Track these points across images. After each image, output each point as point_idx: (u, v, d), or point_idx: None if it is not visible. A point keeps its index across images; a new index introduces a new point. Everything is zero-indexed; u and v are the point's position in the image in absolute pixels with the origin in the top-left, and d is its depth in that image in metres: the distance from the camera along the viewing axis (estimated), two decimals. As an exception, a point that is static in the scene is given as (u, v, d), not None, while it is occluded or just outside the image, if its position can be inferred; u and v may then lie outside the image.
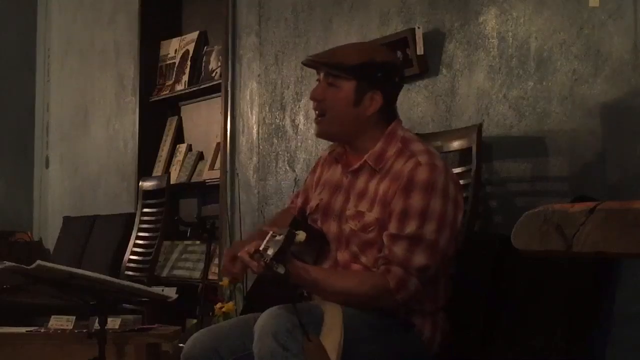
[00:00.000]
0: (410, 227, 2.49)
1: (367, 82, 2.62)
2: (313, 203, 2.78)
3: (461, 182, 3.03)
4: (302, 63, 2.84)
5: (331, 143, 2.84)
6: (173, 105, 5.50)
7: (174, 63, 5.40)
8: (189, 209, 5.24)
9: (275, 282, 2.46)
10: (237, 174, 4.57)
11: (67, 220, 6.22)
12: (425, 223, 2.49)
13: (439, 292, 2.62)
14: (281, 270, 2.32)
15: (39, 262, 2.81)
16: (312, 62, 2.75)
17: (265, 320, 2.40)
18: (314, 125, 2.75)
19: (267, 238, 2.38)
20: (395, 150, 2.62)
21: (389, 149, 2.63)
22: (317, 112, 2.70)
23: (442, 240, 2.51)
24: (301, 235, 2.39)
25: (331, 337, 2.38)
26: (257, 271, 2.46)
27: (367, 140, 2.66)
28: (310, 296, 2.64)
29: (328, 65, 2.67)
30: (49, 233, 6.71)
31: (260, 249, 2.36)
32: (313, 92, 2.70)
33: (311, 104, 2.75)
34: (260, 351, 2.37)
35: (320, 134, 2.76)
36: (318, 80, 2.71)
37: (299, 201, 2.92)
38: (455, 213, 2.54)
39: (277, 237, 2.35)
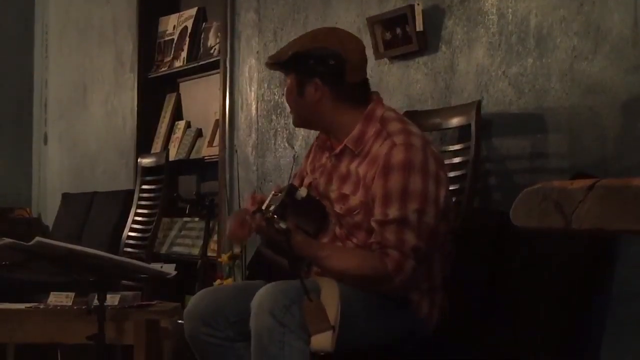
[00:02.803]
0: (393, 211, 2.50)
1: (303, 72, 2.69)
2: (306, 182, 2.80)
3: (460, 159, 3.04)
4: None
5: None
6: (172, 82, 5.48)
7: (173, 39, 5.38)
8: (187, 185, 5.24)
9: (277, 247, 2.47)
10: (236, 150, 4.57)
11: (66, 196, 6.22)
12: (407, 204, 2.50)
13: (434, 270, 2.62)
14: (283, 225, 2.33)
15: (38, 238, 2.81)
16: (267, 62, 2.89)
17: (261, 297, 2.41)
18: None
19: (269, 197, 2.40)
20: (374, 132, 2.63)
21: (368, 130, 2.64)
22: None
23: (427, 218, 2.51)
24: (302, 191, 2.41)
25: (329, 306, 2.39)
26: (258, 227, 2.48)
27: (344, 125, 2.68)
28: (309, 271, 2.65)
29: (270, 64, 2.82)
30: (48, 210, 6.71)
31: (263, 207, 2.38)
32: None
33: None
34: (257, 328, 2.38)
35: (293, 124, 2.93)
36: None
37: (296, 183, 2.93)
38: (437, 189, 2.54)
39: (279, 195, 2.36)
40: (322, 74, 2.67)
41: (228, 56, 4.65)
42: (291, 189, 2.41)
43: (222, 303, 2.65)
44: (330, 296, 2.43)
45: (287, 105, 4.20)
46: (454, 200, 2.82)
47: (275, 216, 2.36)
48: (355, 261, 2.55)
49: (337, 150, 2.68)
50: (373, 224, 2.53)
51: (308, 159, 2.89)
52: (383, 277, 2.49)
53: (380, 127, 2.62)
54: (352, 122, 2.67)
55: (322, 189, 2.70)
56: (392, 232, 2.50)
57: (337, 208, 2.62)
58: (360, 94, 2.71)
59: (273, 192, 2.46)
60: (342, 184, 2.64)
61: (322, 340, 2.37)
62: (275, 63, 2.79)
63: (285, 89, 2.78)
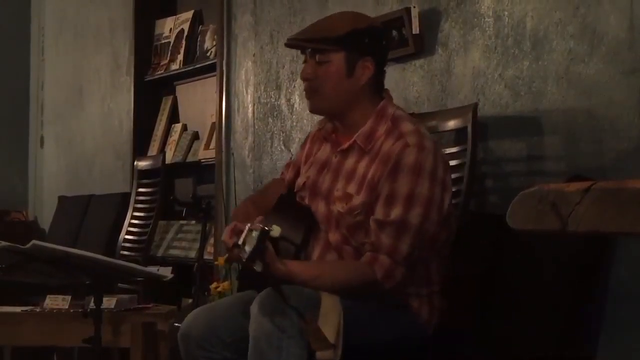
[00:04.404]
0: (395, 213, 2.46)
1: (356, 50, 2.57)
2: (300, 180, 2.74)
3: (457, 161, 3.04)
4: (285, 45, 2.78)
5: (320, 119, 2.82)
6: (168, 85, 5.49)
7: (169, 42, 5.38)
8: (184, 188, 5.24)
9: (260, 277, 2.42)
10: (233, 153, 4.57)
11: (62, 199, 6.21)
12: (411, 208, 2.46)
13: (432, 275, 2.60)
14: (258, 268, 2.28)
15: (34, 241, 2.81)
16: (296, 42, 2.69)
17: (262, 300, 2.38)
18: (307, 101, 2.71)
19: (244, 232, 2.33)
20: (385, 130, 2.57)
21: (379, 128, 2.58)
22: (308, 90, 2.65)
23: (429, 224, 2.48)
24: (275, 231, 2.33)
25: (329, 321, 2.36)
26: (237, 261, 2.45)
27: (359, 116, 2.61)
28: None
29: (313, 41, 2.60)
30: (45, 212, 6.71)
31: (240, 242, 2.32)
32: (303, 72, 2.64)
33: (303, 83, 2.71)
34: (256, 332, 2.35)
35: (313, 110, 2.71)
36: (305, 60, 2.65)
37: (290, 175, 2.87)
38: (442, 195, 2.50)
39: (253, 234, 2.30)
40: (374, 53, 2.60)
41: (224, 59, 4.66)
42: (263, 233, 2.32)
43: (216, 324, 2.59)
44: (331, 310, 2.38)
45: (283, 107, 4.24)
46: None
47: (250, 261, 2.30)
48: (344, 276, 2.49)
49: (345, 146, 2.62)
50: (371, 222, 2.49)
51: (304, 150, 2.83)
52: (373, 285, 2.46)
53: (391, 126, 2.57)
54: (366, 115, 2.60)
55: (325, 187, 2.63)
56: (389, 236, 2.46)
57: (340, 207, 2.56)
58: (382, 84, 2.66)
59: (249, 226, 2.38)
60: (347, 183, 2.57)
61: (325, 353, 2.35)
62: (323, 39, 2.58)
63: (320, 70, 2.58)
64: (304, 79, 2.65)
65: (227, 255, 2.59)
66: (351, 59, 2.57)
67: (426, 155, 2.49)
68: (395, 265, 2.46)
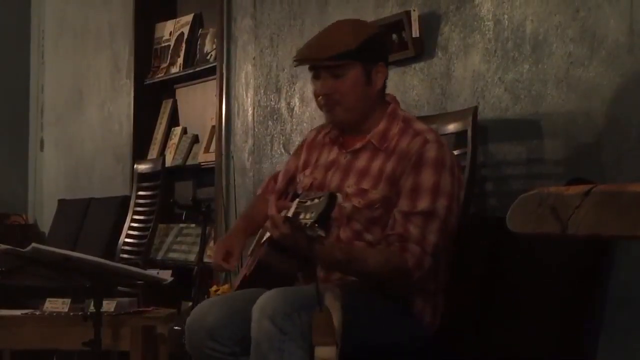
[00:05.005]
0: (423, 204, 2.51)
1: (369, 58, 2.64)
2: (306, 182, 2.73)
3: (456, 164, 3.05)
4: (295, 65, 2.81)
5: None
6: (168, 88, 5.49)
7: (169, 45, 5.38)
8: (184, 191, 5.24)
9: (293, 253, 2.39)
10: (232, 157, 4.57)
11: (62, 202, 6.21)
12: (438, 199, 2.52)
13: (440, 271, 2.62)
14: (321, 233, 2.25)
15: (34, 244, 2.81)
16: (310, 61, 2.70)
17: (264, 302, 2.38)
18: (326, 114, 2.71)
19: (293, 206, 2.33)
20: (398, 130, 2.64)
21: (392, 128, 2.65)
22: (327, 104, 2.66)
23: (452, 216, 2.55)
24: (340, 198, 2.34)
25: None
26: (283, 235, 2.35)
27: (374, 119, 2.68)
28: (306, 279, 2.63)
29: (330, 59, 2.62)
30: (44, 215, 6.70)
31: (289, 215, 2.31)
32: (321, 88, 2.65)
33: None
34: (257, 334, 2.35)
35: (336, 122, 2.73)
36: (316, 76, 2.67)
37: (281, 184, 2.86)
38: (459, 191, 2.59)
39: (312, 202, 2.28)
40: (384, 57, 2.71)
41: (224, 62, 4.66)
42: (331, 197, 2.31)
43: (230, 318, 2.58)
44: (332, 305, 2.40)
45: (283, 111, 4.24)
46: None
47: (317, 225, 2.27)
48: (376, 261, 2.51)
49: (358, 145, 2.67)
50: (397, 214, 2.52)
51: (299, 158, 2.84)
52: (403, 273, 2.49)
53: (404, 126, 2.65)
54: (378, 119, 2.68)
55: (334, 185, 2.65)
56: (417, 226, 2.50)
57: (356, 202, 2.58)
58: (386, 85, 2.75)
59: (299, 200, 2.38)
60: (361, 180, 2.61)
61: (326, 353, 2.34)
62: (339, 55, 2.61)
63: (338, 83, 2.62)
64: (323, 94, 2.66)
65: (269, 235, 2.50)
66: (367, 67, 2.64)
67: (445, 151, 2.58)
68: (425, 254, 2.50)
